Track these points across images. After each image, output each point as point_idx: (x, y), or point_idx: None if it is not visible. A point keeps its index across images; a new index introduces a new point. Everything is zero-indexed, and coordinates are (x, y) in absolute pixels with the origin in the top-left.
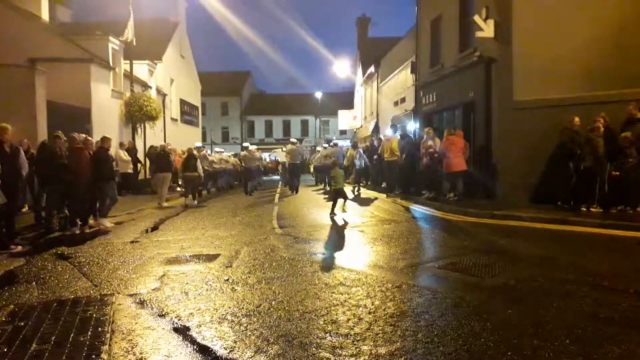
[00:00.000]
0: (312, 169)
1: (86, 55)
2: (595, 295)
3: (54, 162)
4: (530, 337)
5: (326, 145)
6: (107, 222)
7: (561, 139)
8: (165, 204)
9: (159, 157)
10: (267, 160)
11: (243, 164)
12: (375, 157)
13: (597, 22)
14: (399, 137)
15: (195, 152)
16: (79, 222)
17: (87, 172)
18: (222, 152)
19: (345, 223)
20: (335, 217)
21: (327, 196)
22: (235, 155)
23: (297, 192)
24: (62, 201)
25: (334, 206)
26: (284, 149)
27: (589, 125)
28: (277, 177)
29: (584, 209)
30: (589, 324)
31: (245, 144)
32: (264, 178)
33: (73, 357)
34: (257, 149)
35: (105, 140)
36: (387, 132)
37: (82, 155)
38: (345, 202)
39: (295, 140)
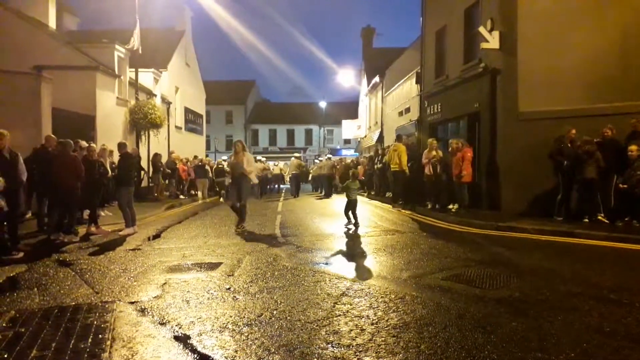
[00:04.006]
0: (309, 178)
1: (92, 63)
2: (601, 309)
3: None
4: (535, 350)
5: (322, 158)
6: (128, 230)
7: (550, 150)
8: (207, 200)
9: (198, 168)
10: (272, 168)
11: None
12: (379, 165)
13: (601, 34)
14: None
15: (223, 163)
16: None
17: (72, 179)
18: None
19: (349, 233)
20: (347, 227)
21: (326, 202)
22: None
23: (297, 196)
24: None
25: (348, 217)
26: (276, 163)
27: (584, 138)
28: (282, 186)
29: (586, 220)
30: (594, 337)
31: (258, 157)
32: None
33: None
34: (266, 159)
35: (121, 145)
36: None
37: (69, 161)
38: (355, 213)
39: (298, 155)
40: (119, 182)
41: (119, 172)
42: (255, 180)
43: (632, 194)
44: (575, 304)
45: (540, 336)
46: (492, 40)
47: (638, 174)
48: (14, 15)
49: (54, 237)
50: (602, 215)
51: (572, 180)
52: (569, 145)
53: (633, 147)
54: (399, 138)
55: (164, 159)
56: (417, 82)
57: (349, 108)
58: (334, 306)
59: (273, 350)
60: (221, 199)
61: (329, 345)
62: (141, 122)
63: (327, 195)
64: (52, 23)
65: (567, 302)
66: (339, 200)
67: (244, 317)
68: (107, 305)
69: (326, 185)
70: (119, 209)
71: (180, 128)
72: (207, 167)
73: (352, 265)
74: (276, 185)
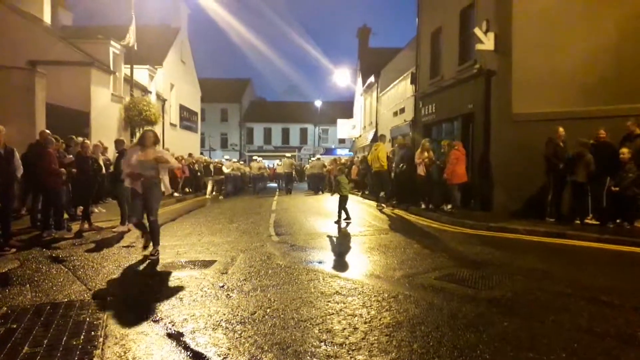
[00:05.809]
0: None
1: (87, 58)
2: (592, 310)
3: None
4: (526, 350)
5: (313, 158)
6: (122, 228)
7: (545, 152)
8: (209, 196)
9: (205, 167)
10: (269, 166)
11: (253, 172)
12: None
13: (596, 37)
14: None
15: (223, 161)
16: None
17: (52, 174)
18: (236, 161)
19: (342, 232)
20: (339, 225)
21: (318, 200)
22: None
23: (290, 193)
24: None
25: (340, 214)
26: (279, 162)
27: (578, 140)
28: (275, 185)
29: (578, 222)
30: (585, 337)
31: (255, 157)
32: (269, 185)
33: None
34: (262, 159)
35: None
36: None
37: (45, 155)
38: (346, 211)
39: (290, 155)
40: (118, 179)
41: (118, 169)
42: (168, 190)
43: (624, 196)
44: (566, 304)
45: (531, 336)
46: (487, 42)
47: (630, 176)
48: (8, 10)
49: (46, 235)
50: (590, 217)
51: (564, 181)
52: (562, 144)
53: (624, 150)
54: (381, 138)
55: None
56: (412, 83)
57: (344, 107)
58: (327, 305)
59: (266, 348)
60: (221, 196)
61: (322, 344)
62: (136, 119)
63: (317, 192)
64: (46, 18)
65: (558, 302)
66: (331, 199)
67: (238, 315)
68: (99, 302)
69: (317, 183)
70: (119, 206)
71: (175, 125)
72: (211, 166)
73: (346, 264)
74: (273, 183)
